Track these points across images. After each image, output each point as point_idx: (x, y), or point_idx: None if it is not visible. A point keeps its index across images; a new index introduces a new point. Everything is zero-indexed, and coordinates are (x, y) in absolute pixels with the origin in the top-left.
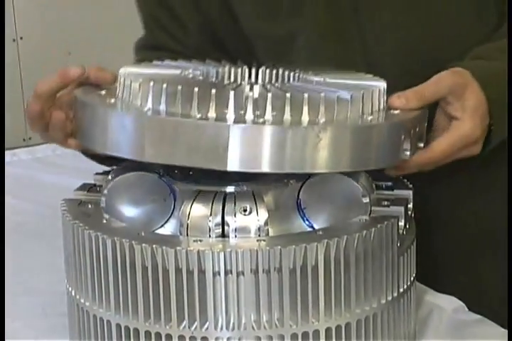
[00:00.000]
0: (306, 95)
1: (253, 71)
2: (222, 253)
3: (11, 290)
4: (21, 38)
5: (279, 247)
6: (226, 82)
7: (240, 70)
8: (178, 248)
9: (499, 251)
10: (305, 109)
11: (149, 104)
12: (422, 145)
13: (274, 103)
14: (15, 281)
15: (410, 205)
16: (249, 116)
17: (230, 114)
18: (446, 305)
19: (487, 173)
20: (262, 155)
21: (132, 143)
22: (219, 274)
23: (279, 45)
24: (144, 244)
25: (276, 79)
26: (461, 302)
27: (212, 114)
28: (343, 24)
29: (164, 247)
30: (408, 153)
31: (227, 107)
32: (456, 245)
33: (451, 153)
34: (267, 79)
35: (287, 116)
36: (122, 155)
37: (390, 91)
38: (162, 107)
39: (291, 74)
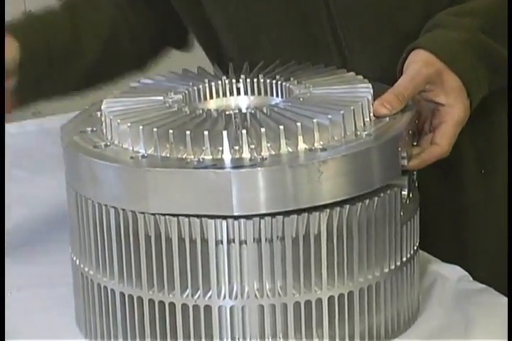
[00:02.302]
0: (299, 124)
1: (234, 84)
2: (225, 222)
3: (18, 260)
4: None
5: (282, 216)
6: (214, 113)
7: (220, 84)
8: (180, 217)
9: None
10: (300, 138)
11: (141, 150)
12: (415, 143)
13: (268, 136)
14: (23, 252)
15: (414, 175)
16: (246, 154)
17: (226, 155)
18: (451, 274)
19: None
20: (265, 197)
21: (132, 195)
22: (221, 243)
23: (244, 29)
24: (146, 214)
25: (259, 92)
26: (465, 272)
27: (208, 156)
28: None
29: (167, 216)
30: (406, 160)
31: (222, 147)
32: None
33: (455, 138)
34: (250, 93)
35: (283, 148)
36: (121, 206)
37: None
38: (155, 152)
39: (274, 85)
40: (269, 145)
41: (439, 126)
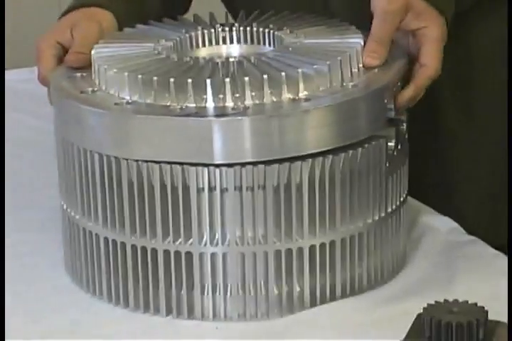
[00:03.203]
0: (283, 74)
1: (227, 33)
2: (206, 169)
3: (12, 204)
4: None
5: (263, 165)
6: (201, 61)
7: (213, 32)
8: (162, 164)
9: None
10: (284, 87)
11: (126, 96)
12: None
13: (252, 85)
14: (18, 196)
15: (404, 126)
16: (229, 102)
17: (210, 103)
18: (441, 226)
19: None
20: (246, 146)
21: (115, 141)
22: (203, 190)
23: None
24: (129, 160)
25: (252, 41)
26: (455, 224)
27: (191, 104)
28: None
29: (149, 163)
30: (393, 112)
31: (206, 95)
32: None
33: (440, 55)
34: (242, 41)
35: (267, 98)
36: (105, 152)
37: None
38: (140, 99)
39: (267, 34)
40: (253, 94)
41: (421, 48)
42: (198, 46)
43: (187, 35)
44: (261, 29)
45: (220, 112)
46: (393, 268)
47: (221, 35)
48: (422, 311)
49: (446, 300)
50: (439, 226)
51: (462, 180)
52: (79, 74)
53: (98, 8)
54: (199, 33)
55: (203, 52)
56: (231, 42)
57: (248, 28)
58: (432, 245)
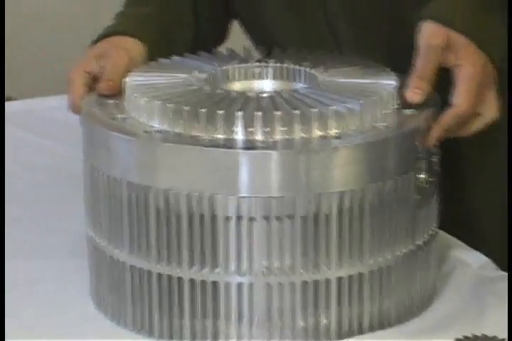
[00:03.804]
0: (314, 111)
1: (261, 68)
2: (234, 198)
3: (40, 230)
4: None
5: (292, 194)
6: (233, 94)
7: (247, 67)
8: (190, 192)
9: None
10: (314, 124)
11: (156, 125)
12: None
13: (282, 120)
14: (45, 222)
15: (435, 158)
16: (258, 136)
17: (239, 136)
18: (472, 261)
19: None
20: (272, 180)
21: (143, 169)
22: (230, 220)
23: None
24: (157, 188)
25: (285, 78)
26: (486, 259)
27: (220, 135)
28: None
29: (177, 190)
30: (423, 154)
31: (236, 127)
32: None
33: (472, 95)
34: (275, 77)
35: (297, 134)
36: (132, 179)
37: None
38: (169, 128)
39: (300, 71)
40: (283, 129)
41: (453, 87)
42: (231, 80)
43: (220, 69)
44: (295, 66)
45: (249, 145)
46: (423, 302)
47: (255, 70)
48: None
49: (475, 336)
50: (471, 261)
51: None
52: (110, 102)
53: (128, 37)
54: (233, 67)
55: (236, 86)
56: (265, 77)
57: (282, 65)
58: (462, 279)
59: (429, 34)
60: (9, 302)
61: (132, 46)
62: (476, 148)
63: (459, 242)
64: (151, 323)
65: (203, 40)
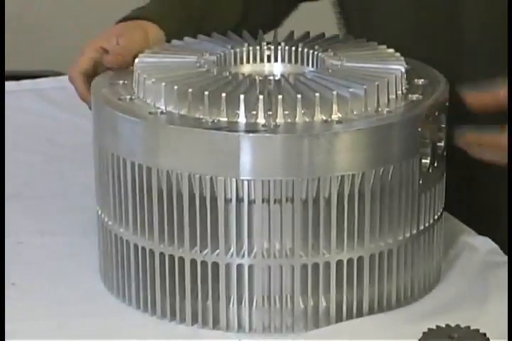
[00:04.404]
0: (317, 95)
1: (272, 51)
2: (235, 180)
3: (55, 208)
4: None
5: (292, 178)
6: (240, 77)
7: (258, 50)
8: (191, 174)
9: None
10: (317, 108)
11: (162, 106)
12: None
13: (285, 103)
14: (64, 198)
15: (441, 143)
16: (261, 119)
17: (242, 119)
18: (480, 245)
19: None
20: (273, 164)
21: (146, 150)
22: (231, 201)
23: None
24: (160, 169)
25: (296, 61)
26: (495, 245)
27: (223, 118)
28: None
29: (179, 171)
30: (427, 141)
31: (239, 110)
32: None
33: None
34: (285, 60)
35: (300, 118)
36: (137, 160)
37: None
38: (174, 110)
39: (310, 55)
40: (286, 112)
41: None
42: (241, 62)
43: (231, 51)
44: (305, 49)
45: (251, 128)
46: (425, 286)
47: (266, 53)
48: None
49: (447, 325)
50: (478, 246)
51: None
52: (120, 82)
53: (151, 23)
54: (244, 49)
55: (246, 69)
56: (275, 60)
57: (293, 48)
58: (468, 264)
59: None
60: (21, 278)
61: (151, 30)
62: None
63: (468, 228)
64: (153, 303)
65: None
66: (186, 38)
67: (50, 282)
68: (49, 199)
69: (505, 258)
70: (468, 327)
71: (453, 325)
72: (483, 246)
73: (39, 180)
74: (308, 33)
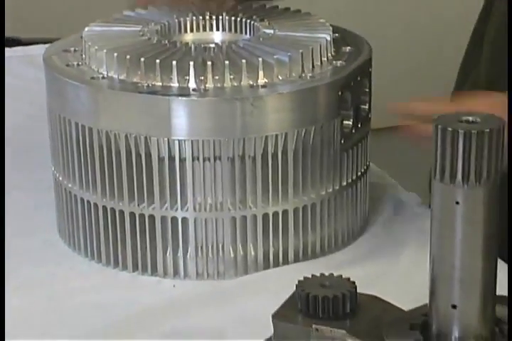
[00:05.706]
0: (244, 61)
1: (214, 20)
2: (167, 140)
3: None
4: None
5: (220, 138)
6: (178, 45)
7: (201, 19)
8: (128, 134)
9: None
10: (244, 74)
11: (104, 71)
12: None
13: (215, 69)
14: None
15: (366, 106)
16: (192, 84)
17: (174, 83)
18: (408, 200)
19: None
20: (202, 125)
21: (88, 112)
22: (164, 159)
23: None
24: (100, 130)
25: (235, 30)
26: (420, 199)
27: (158, 83)
28: None
29: (117, 132)
30: (348, 105)
31: (172, 75)
32: None
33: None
34: (226, 29)
35: (227, 82)
36: (80, 121)
37: None
38: (114, 75)
39: (248, 24)
40: (215, 78)
41: None
42: (185, 31)
43: (176, 21)
44: (244, 19)
45: (182, 92)
46: (348, 237)
47: (208, 22)
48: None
49: (321, 274)
50: (406, 201)
51: None
52: (72, 49)
53: None
54: (188, 19)
55: (188, 37)
56: (216, 29)
57: (233, 18)
58: (393, 217)
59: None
60: None
61: None
62: None
63: (396, 183)
64: (99, 251)
65: None
66: (137, 9)
67: (11, 232)
68: (25, 155)
69: (427, 209)
70: (340, 276)
71: (350, 275)
72: (411, 201)
73: (19, 138)
74: (264, 5)
